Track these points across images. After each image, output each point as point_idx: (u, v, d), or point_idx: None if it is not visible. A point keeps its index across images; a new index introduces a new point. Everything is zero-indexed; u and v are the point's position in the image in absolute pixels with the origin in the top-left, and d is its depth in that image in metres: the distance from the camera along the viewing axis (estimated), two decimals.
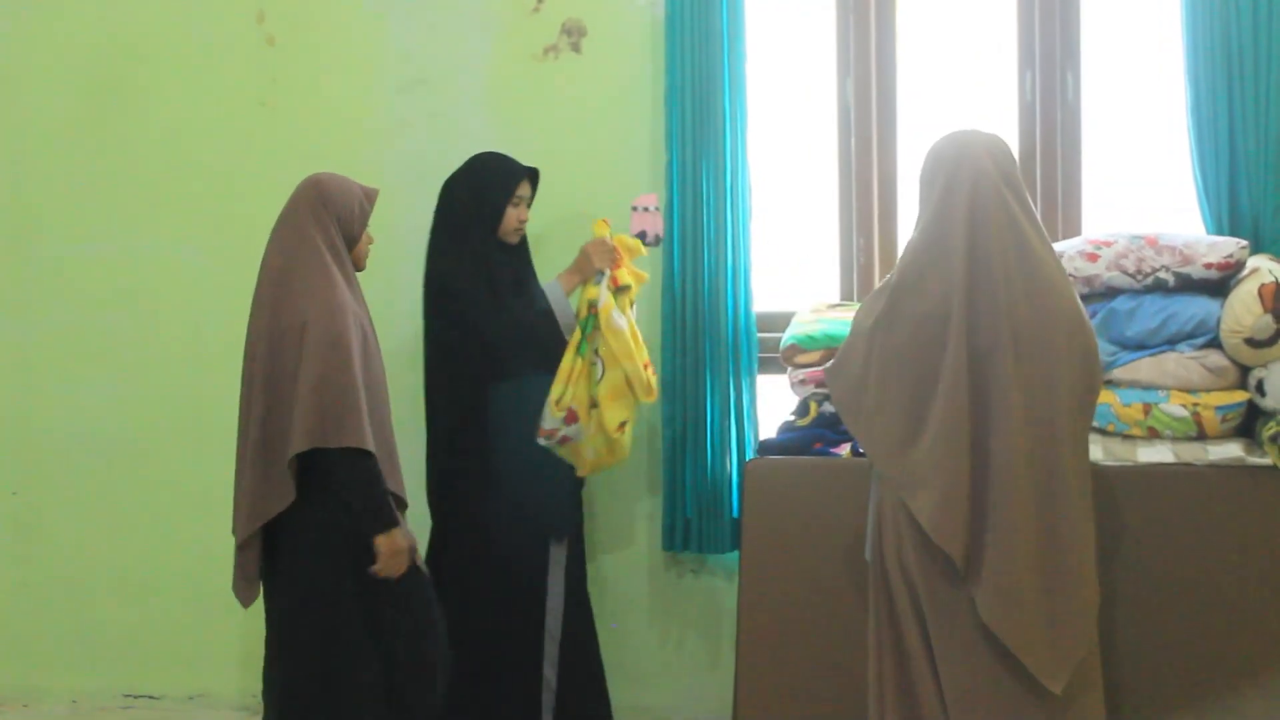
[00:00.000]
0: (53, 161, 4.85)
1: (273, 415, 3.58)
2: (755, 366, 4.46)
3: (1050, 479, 3.16)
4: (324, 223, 3.72)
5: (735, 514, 4.45)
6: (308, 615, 3.64)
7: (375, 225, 3.93)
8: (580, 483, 4.20)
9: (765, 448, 4.11)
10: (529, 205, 4.19)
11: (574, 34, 4.60)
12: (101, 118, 4.81)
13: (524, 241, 4.22)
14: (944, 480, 3.12)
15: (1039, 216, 3.24)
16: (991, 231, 3.17)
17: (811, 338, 4.12)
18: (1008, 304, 3.13)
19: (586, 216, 4.49)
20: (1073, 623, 3.17)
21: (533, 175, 4.19)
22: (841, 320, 4.07)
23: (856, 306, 4.18)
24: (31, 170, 4.86)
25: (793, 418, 4.17)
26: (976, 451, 3.14)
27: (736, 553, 4.28)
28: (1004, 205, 3.20)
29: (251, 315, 3.72)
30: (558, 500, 4.13)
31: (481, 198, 4.13)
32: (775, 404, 4.47)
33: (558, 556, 4.15)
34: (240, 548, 3.67)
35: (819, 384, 4.05)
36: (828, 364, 3.54)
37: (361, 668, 3.64)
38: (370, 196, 3.85)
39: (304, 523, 3.60)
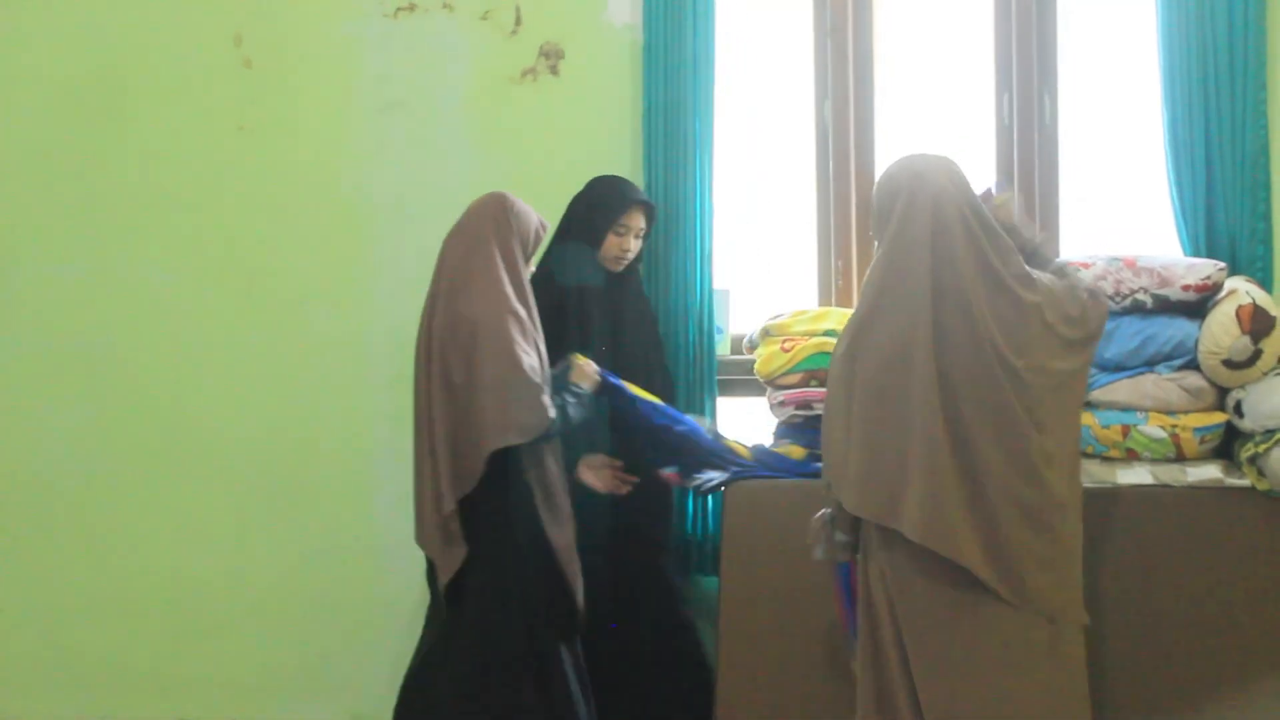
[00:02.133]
0: (29, 183, 4.82)
1: (455, 414, 3.71)
2: (715, 389, 4.45)
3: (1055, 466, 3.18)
4: (504, 234, 3.83)
5: (701, 536, 4.45)
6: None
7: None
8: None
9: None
10: (638, 238, 4.18)
11: (552, 57, 4.60)
12: (78, 139, 4.78)
13: (627, 281, 4.23)
14: (926, 491, 3.10)
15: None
16: (954, 248, 3.14)
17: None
18: (971, 316, 3.11)
19: None
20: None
21: (648, 209, 4.18)
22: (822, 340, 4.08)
23: (838, 312, 4.22)
24: (8, 192, 4.83)
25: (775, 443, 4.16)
26: (964, 464, 3.12)
27: (711, 576, 4.27)
28: (968, 230, 3.17)
29: (425, 313, 3.83)
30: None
31: (590, 215, 4.17)
32: (751, 427, 4.45)
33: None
34: (448, 517, 3.75)
35: (799, 406, 4.04)
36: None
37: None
38: (544, 228, 3.96)
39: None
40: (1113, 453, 3.83)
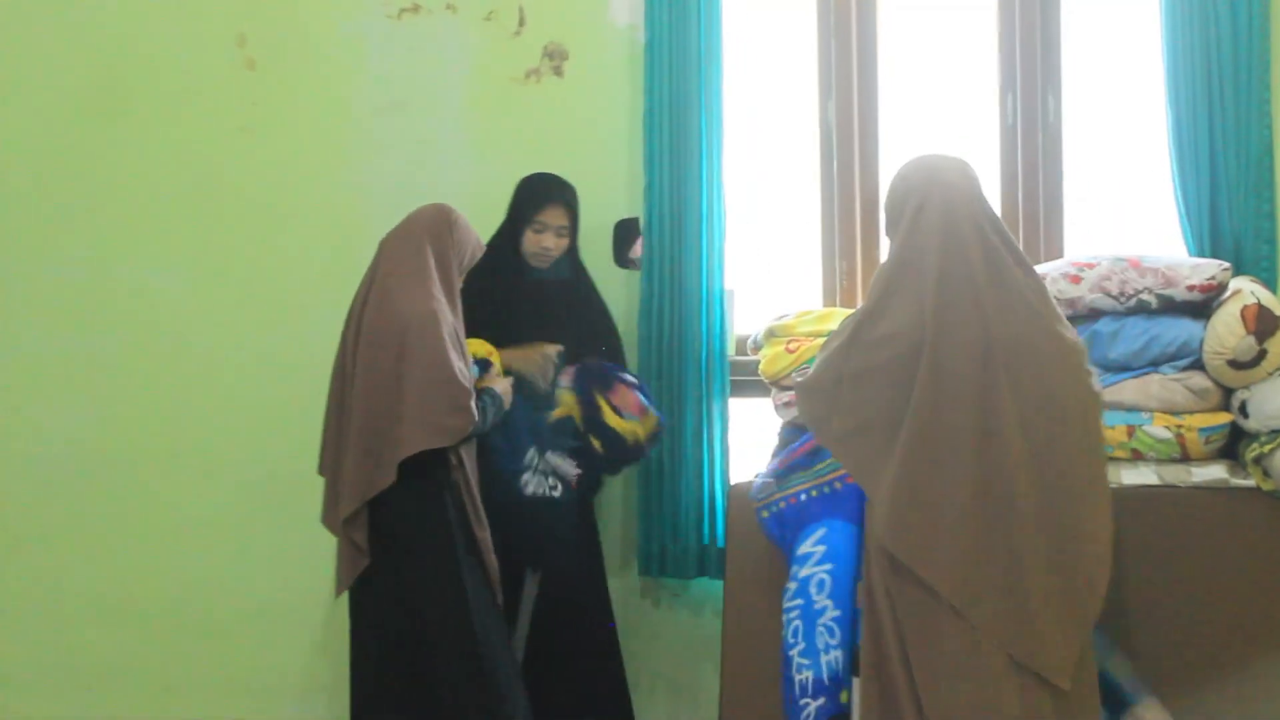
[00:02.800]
0: (31, 183, 4.82)
1: (375, 407, 3.75)
2: (728, 391, 4.45)
3: (1048, 490, 3.13)
4: (442, 244, 3.89)
5: (705, 539, 4.46)
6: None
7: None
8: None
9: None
10: (561, 235, 4.20)
11: (555, 57, 4.60)
12: (81, 140, 4.78)
13: (561, 279, 4.26)
14: (895, 485, 3.10)
15: (1019, 237, 3.22)
16: (965, 252, 3.14)
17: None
18: (981, 323, 3.11)
19: None
20: (1077, 618, 3.15)
21: (567, 206, 4.19)
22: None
23: (842, 313, 4.21)
24: (10, 192, 4.83)
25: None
26: (975, 474, 3.10)
27: (718, 579, 4.26)
28: (977, 226, 3.18)
29: (354, 310, 3.89)
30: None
31: (510, 214, 4.24)
32: (756, 427, 4.45)
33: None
34: (346, 522, 3.81)
35: None
36: (798, 379, 3.51)
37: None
38: (481, 249, 4.02)
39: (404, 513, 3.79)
40: (1118, 453, 3.82)
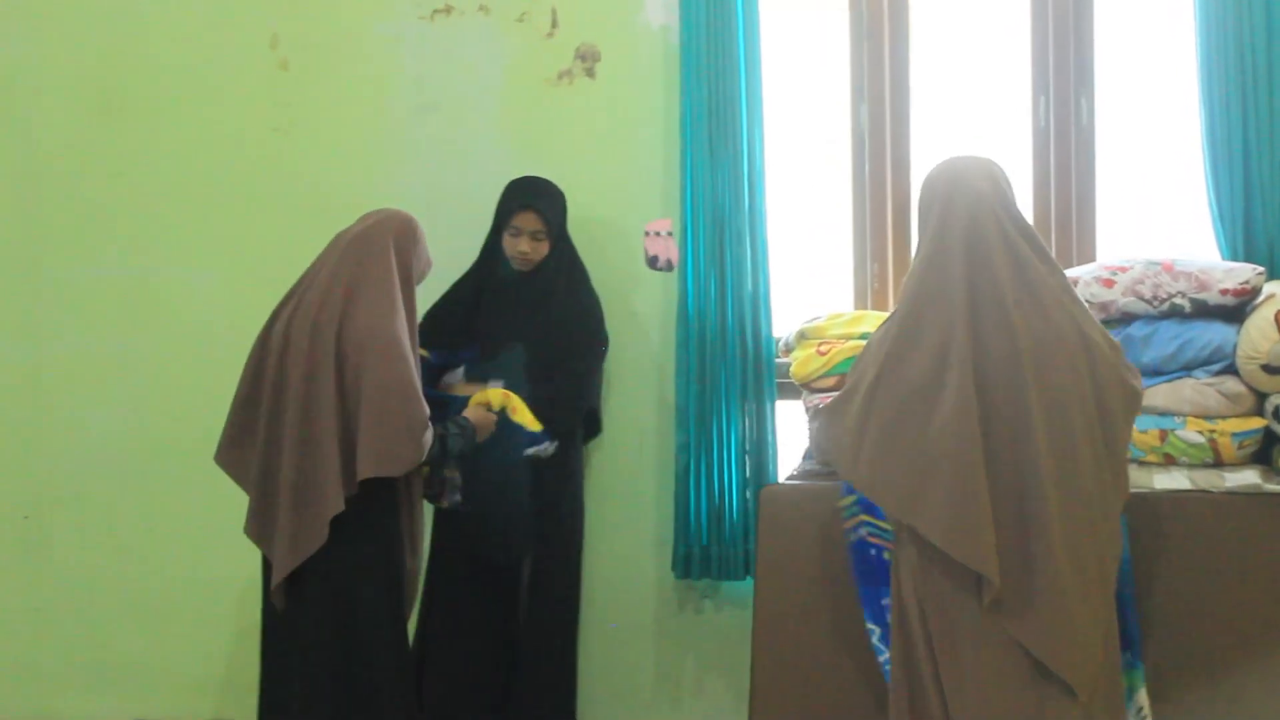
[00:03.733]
0: (66, 184, 4.85)
1: (318, 429, 3.64)
2: (775, 393, 4.44)
3: (1071, 497, 3.11)
4: (405, 255, 3.81)
5: (748, 541, 4.45)
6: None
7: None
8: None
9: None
10: (537, 239, 4.23)
11: (588, 59, 4.60)
12: (115, 140, 4.81)
13: (541, 280, 4.26)
14: (959, 500, 3.08)
15: (1051, 240, 3.22)
16: (990, 256, 3.13)
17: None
18: (1009, 327, 3.10)
19: (600, 242, 4.52)
20: (1098, 627, 3.15)
21: (539, 212, 4.21)
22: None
23: (874, 315, 4.21)
24: (44, 193, 4.86)
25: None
26: (1001, 477, 3.10)
27: (750, 580, 4.27)
28: (1001, 229, 3.16)
29: (300, 314, 3.74)
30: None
31: (494, 218, 4.27)
32: (787, 429, 4.46)
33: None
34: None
35: None
36: (824, 405, 3.50)
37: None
38: (429, 267, 3.96)
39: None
40: (1150, 458, 3.81)
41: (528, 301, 4.28)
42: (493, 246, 4.31)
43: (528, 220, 4.21)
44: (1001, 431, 3.09)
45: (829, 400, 3.41)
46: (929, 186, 3.30)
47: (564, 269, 4.33)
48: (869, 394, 3.20)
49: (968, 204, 3.18)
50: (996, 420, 3.09)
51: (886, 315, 3.93)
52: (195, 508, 4.81)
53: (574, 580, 4.41)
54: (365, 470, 3.62)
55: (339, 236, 3.86)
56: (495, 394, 4.07)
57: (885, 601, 3.48)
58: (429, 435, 3.71)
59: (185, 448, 4.80)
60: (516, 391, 4.10)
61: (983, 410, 3.08)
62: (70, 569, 4.90)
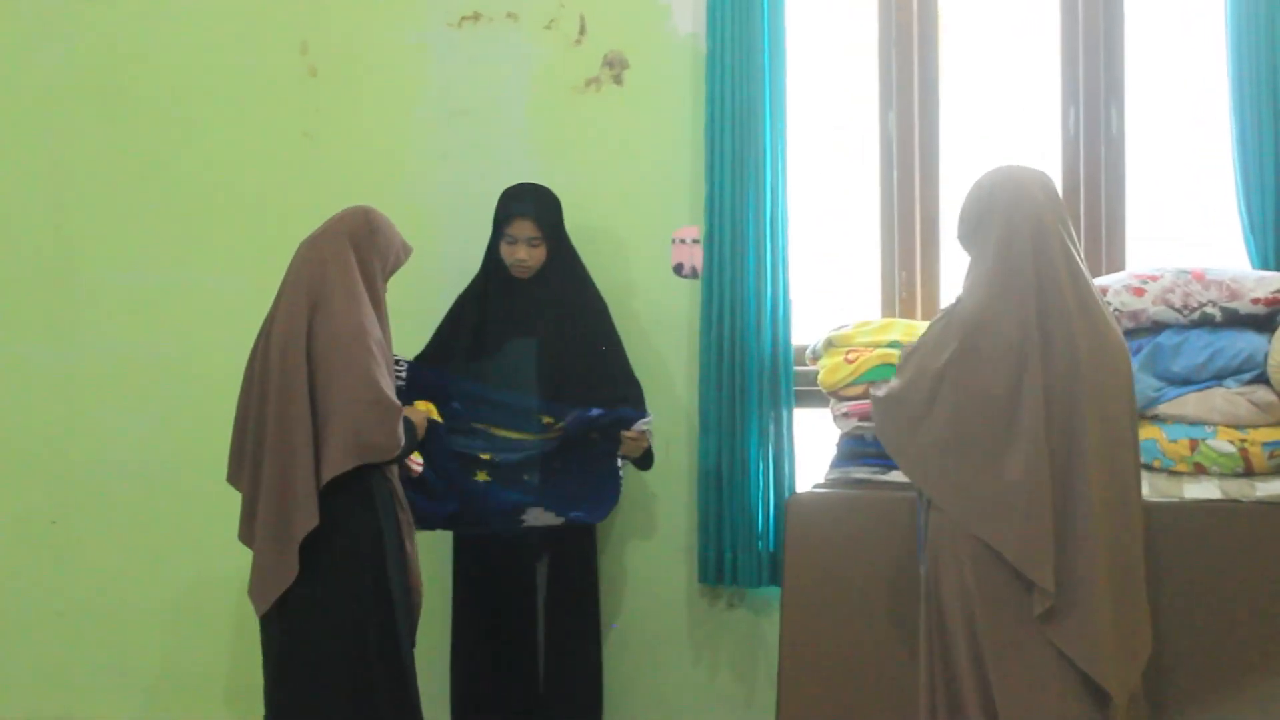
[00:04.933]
0: (95, 190, 4.87)
1: (293, 437, 3.65)
2: (793, 400, 4.43)
3: (1123, 508, 3.20)
4: (364, 250, 3.79)
5: (773, 547, 4.44)
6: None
7: (418, 257, 3.96)
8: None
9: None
10: (534, 246, 4.20)
11: (616, 66, 4.61)
12: (145, 146, 4.83)
13: (542, 287, 4.25)
14: (1029, 512, 3.12)
15: (1080, 248, 3.22)
16: (1056, 269, 3.19)
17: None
18: (1071, 339, 3.15)
19: (626, 248, 4.52)
20: (1138, 633, 3.23)
21: (535, 219, 4.19)
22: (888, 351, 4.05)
23: (902, 324, 4.20)
24: (77, 199, 4.88)
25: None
26: (1058, 487, 3.14)
27: (776, 587, 4.26)
28: (1062, 242, 3.22)
29: (279, 321, 3.76)
30: None
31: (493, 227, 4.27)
32: (814, 437, 4.45)
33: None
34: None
35: (863, 417, 4.01)
36: (876, 392, 3.50)
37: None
38: (407, 252, 3.95)
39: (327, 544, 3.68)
40: (1180, 467, 3.79)
41: (535, 306, 4.26)
42: (493, 256, 4.29)
43: (523, 228, 4.19)
44: (1057, 443, 3.14)
45: (889, 386, 3.42)
46: (987, 194, 3.32)
47: (566, 271, 4.31)
48: (933, 387, 3.24)
49: (1032, 212, 3.22)
50: (1054, 431, 3.14)
51: (916, 323, 3.96)
52: (222, 514, 4.78)
53: (592, 582, 4.40)
54: (339, 462, 3.62)
55: (300, 245, 3.86)
56: (423, 404, 4.09)
57: None
58: (400, 428, 3.71)
59: (213, 454, 4.76)
60: (530, 390, 4.16)
61: (1049, 420, 3.13)
62: (97, 574, 4.91)
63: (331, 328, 3.68)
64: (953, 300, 3.39)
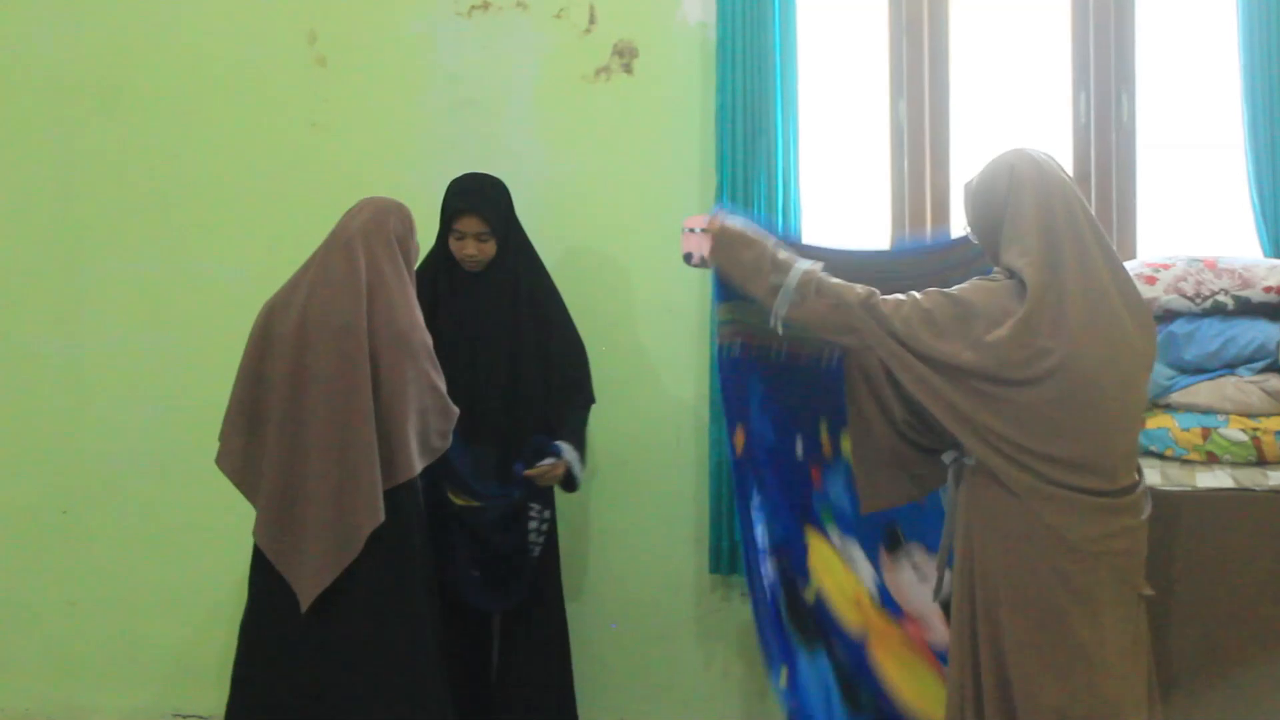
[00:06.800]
0: (103, 181, 4.86)
1: (357, 433, 3.61)
2: None
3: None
4: (406, 246, 3.82)
5: None
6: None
7: (425, 245, 3.99)
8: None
9: None
10: (482, 240, 4.11)
11: (625, 55, 4.60)
12: (153, 137, 4.83)
13: (489, 283, 4.18)
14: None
15: None
16: (1085, 236, 3.07)
17: None
18: (1109, 344, 3.07)
19: (635, 237, 4.52)
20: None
21: (480, 213, 4.10)
22: None
23: None
24: (82, 190, 4.88)
25: None
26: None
27: None
28: (1090, 218, 3.12)
29: (315, 318, 3.71)
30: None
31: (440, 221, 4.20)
32: None
33: None
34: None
35: None
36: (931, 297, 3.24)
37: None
38: (418, 253, 3.98)
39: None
40: (1192, 455, 3.80)
41: (486, 298, 4.18)
42: (442, 247, 4.18)
43: (469, 224, 4.10)
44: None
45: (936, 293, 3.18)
46: (1010, 172, 3.13)
47: (515, 260, 4.21)
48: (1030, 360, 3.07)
49: (1063, 195, 3.09)
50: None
51: None
52: (232, 503, 4.80)
53: (555, 574, 4.31)
54: (413, 465, 3.66)
55: (339, 231, 3.83)
56: None
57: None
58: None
59: None
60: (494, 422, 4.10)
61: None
62: (108, 563, 4.92)
63: (395, 325, 3.67)
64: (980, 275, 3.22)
